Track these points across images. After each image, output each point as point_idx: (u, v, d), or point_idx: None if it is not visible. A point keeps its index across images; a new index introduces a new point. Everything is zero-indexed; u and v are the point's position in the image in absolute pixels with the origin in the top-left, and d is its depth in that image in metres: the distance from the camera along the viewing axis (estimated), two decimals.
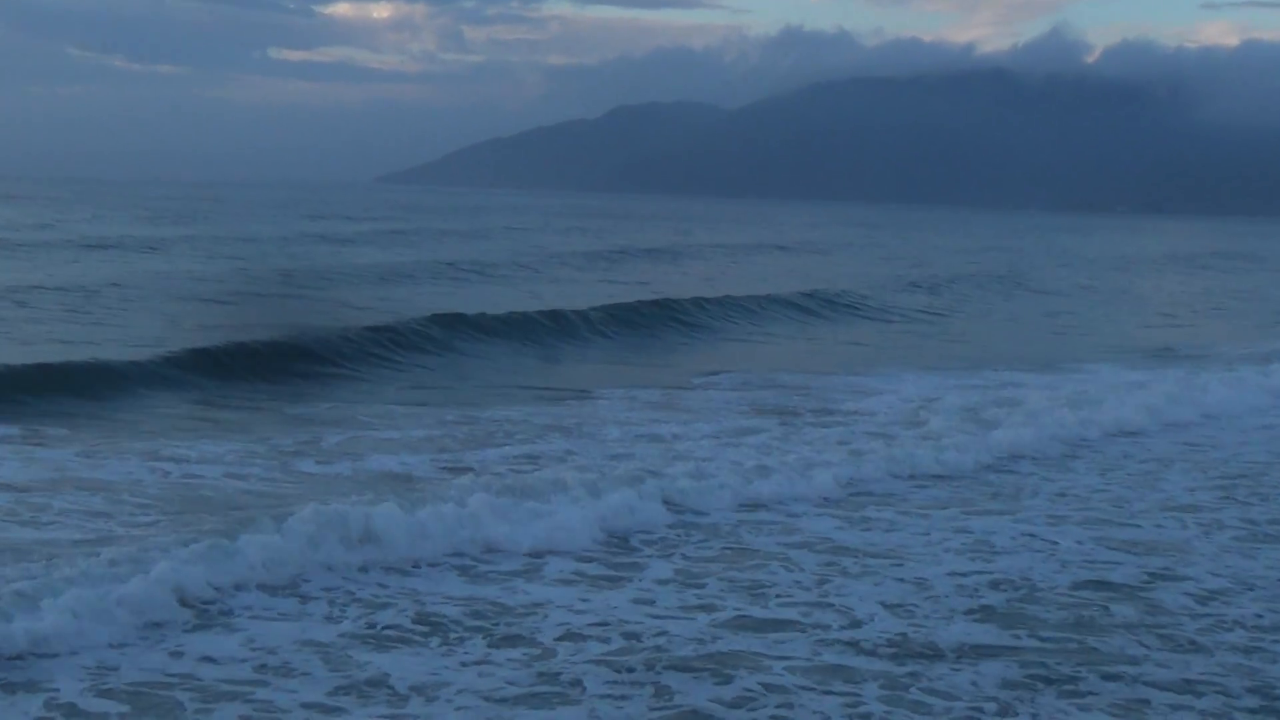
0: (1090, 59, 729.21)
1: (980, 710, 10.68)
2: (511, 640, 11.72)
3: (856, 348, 38.16)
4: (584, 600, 13.05)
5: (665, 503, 16.89)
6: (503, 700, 10.42)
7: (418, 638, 11.68)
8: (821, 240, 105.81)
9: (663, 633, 12.09)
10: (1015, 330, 45.91)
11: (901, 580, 14.23)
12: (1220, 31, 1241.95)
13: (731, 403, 26.17)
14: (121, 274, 47.19)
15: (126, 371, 24.52)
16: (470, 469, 18.53)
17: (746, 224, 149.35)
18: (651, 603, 13.03)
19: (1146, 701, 10.99)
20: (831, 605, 13.15)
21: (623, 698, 10.52)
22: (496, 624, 12.13)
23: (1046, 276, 73.19)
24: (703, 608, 12.98)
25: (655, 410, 24.69)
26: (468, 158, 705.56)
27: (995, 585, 14.12)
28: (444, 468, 18.83)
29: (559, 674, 10.91)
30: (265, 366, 26.94)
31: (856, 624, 12.60)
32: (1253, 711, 10.82)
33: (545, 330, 35.66)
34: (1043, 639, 12.30)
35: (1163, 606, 13.54)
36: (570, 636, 11.98)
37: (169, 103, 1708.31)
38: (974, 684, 11.17)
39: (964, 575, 14.47)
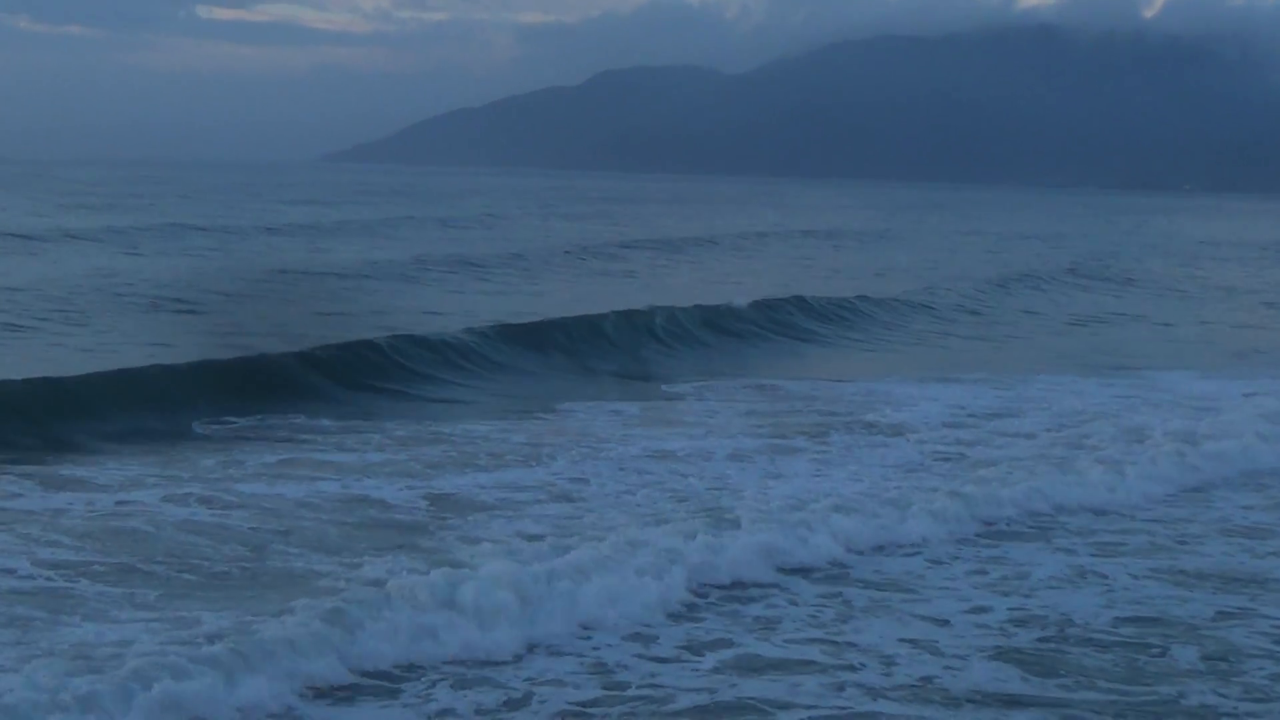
0: (1149, 14, 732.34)
1: None
2: None
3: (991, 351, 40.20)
4: None
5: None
6: None
7: None
8: (873, 226, 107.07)
9: None
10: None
11: None
12: None
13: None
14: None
15: None
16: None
17: (773, 206, 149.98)
18: None
19: None
20: None
21: None
22: None
23: (1160, 271, 73.34)
24: None
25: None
26: (429, 132, 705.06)
27: None
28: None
29: None
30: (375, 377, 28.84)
31: None
32: None
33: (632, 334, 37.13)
34: None
35: None
36: None
37: (80, 70, 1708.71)
38: None
39: None
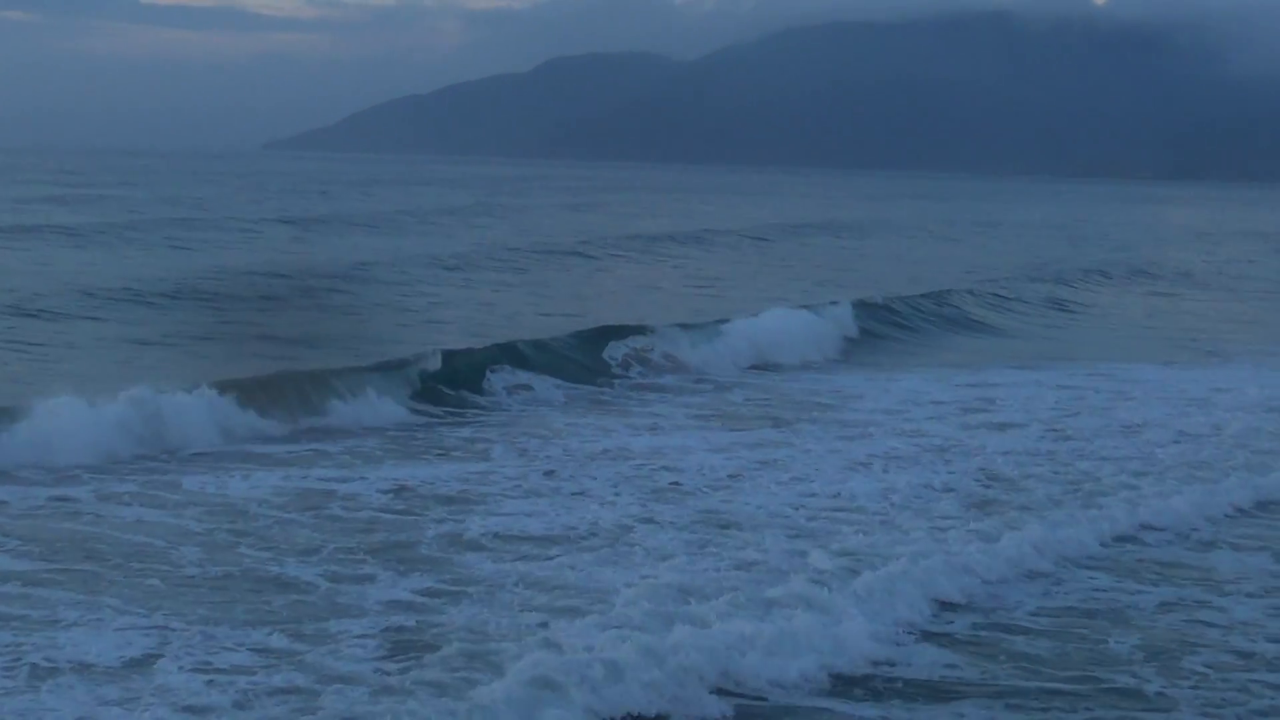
0: (1102, 1, 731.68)
1: None
2: None
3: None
4: None
5: None
6: None
7: None
8: (871, 219, 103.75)
9: None
10: None
11: None
12: None
13: None
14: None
15: None
16: None
17: (746, 197, 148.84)
18: None
19: None
20: None
21: None
22: None
23: (1169, 261, 71.86)
24: None
25: None
26: (374, 120, 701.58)
27: None
28: None
29: None
30: None
31: None
32: None
33: None
34: None
35: None
36: None
37: (15, 57, 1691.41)
38: None
39: None
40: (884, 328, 38.39)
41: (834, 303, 37.81)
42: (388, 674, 11.63)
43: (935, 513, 17.72)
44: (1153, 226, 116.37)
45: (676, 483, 19.19)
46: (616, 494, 18.46)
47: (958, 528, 16.62)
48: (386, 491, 18.11)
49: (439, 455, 20.79)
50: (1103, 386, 29.38)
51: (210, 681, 11.36)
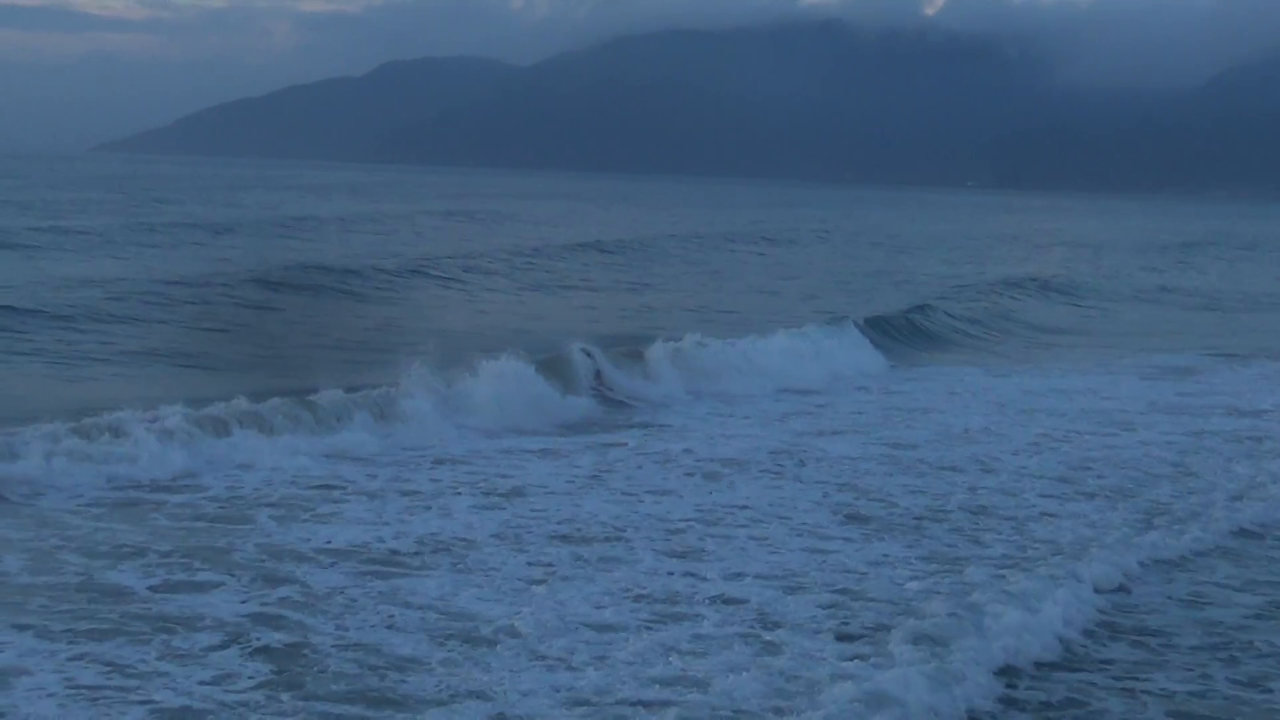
0: (931, 11, 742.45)
1: None
2: None
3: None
4: None
5: None
6: None
7: None
8: (780, 228, 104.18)
9: None
10: None
11: None
12: None
13: None
14: None
15: None
16: None
17: (599, 204, 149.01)
18: None
19: None
20: None
21: None
22: None
23: (1127, 283, 71.86)
24: None
25: None
26: (208, 122, 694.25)
27: None
28: None
29: None
30: None
31: None
32: None
33: None
34: None
35: None
36: None
37: None
38: None
39: None
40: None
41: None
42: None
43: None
44: (1023, 236, 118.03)
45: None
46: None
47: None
48: None
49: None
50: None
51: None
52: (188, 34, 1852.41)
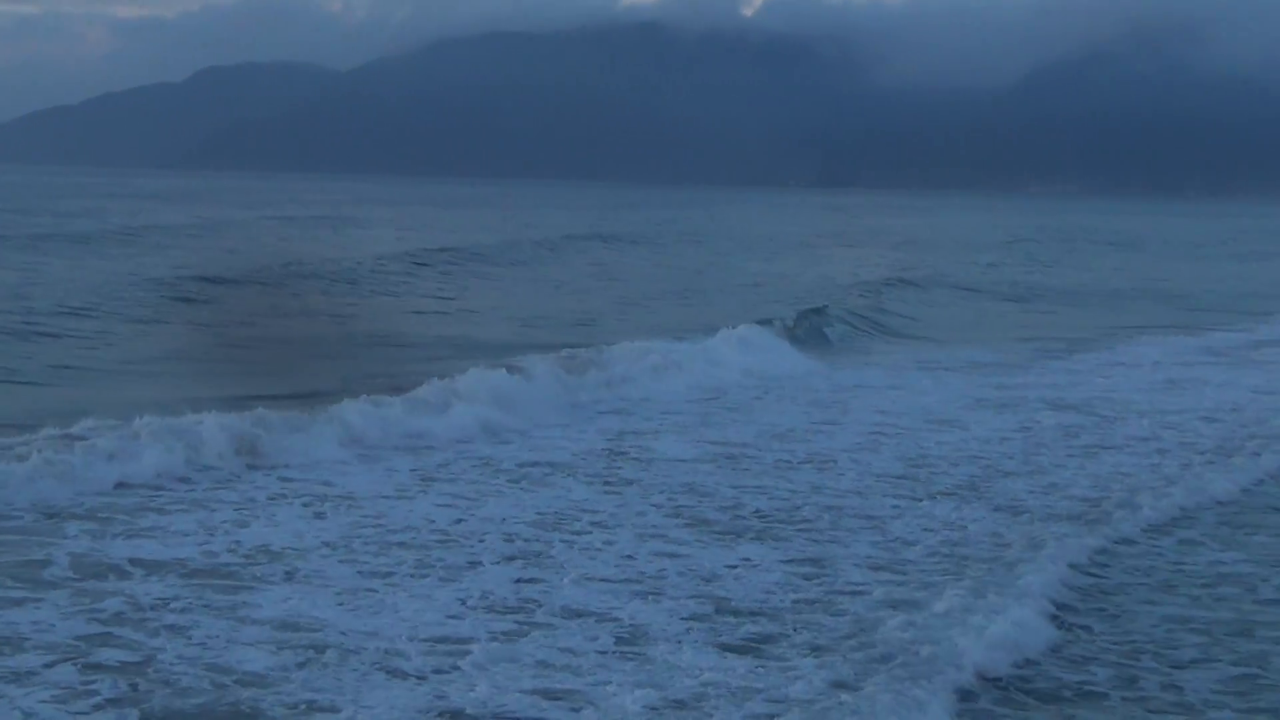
0: (749, 12, 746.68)
1: None
2: None
3: None
4: None
5: None
6: None
7: None
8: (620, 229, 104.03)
9: None
10: None
11: None
12: None
13: None
14: None
15: None
16: None
17: (475, 208, 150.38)
18: None
19: None
20: None
21: None
22: None
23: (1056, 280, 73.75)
24: None
25: None
26: (20, 131, 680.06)
27: None
28: None
29: None
30: None
31: None
32: None
33: None
34: None
35: None
36: None
37: None
38: None
39: None
40: None
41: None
42: None
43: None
44: (850, 233, 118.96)
45: None
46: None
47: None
48: None
49: None
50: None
51: None
52: None
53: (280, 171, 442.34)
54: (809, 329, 42.95)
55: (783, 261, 79.13)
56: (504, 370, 27.92)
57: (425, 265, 63.68)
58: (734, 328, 37.11)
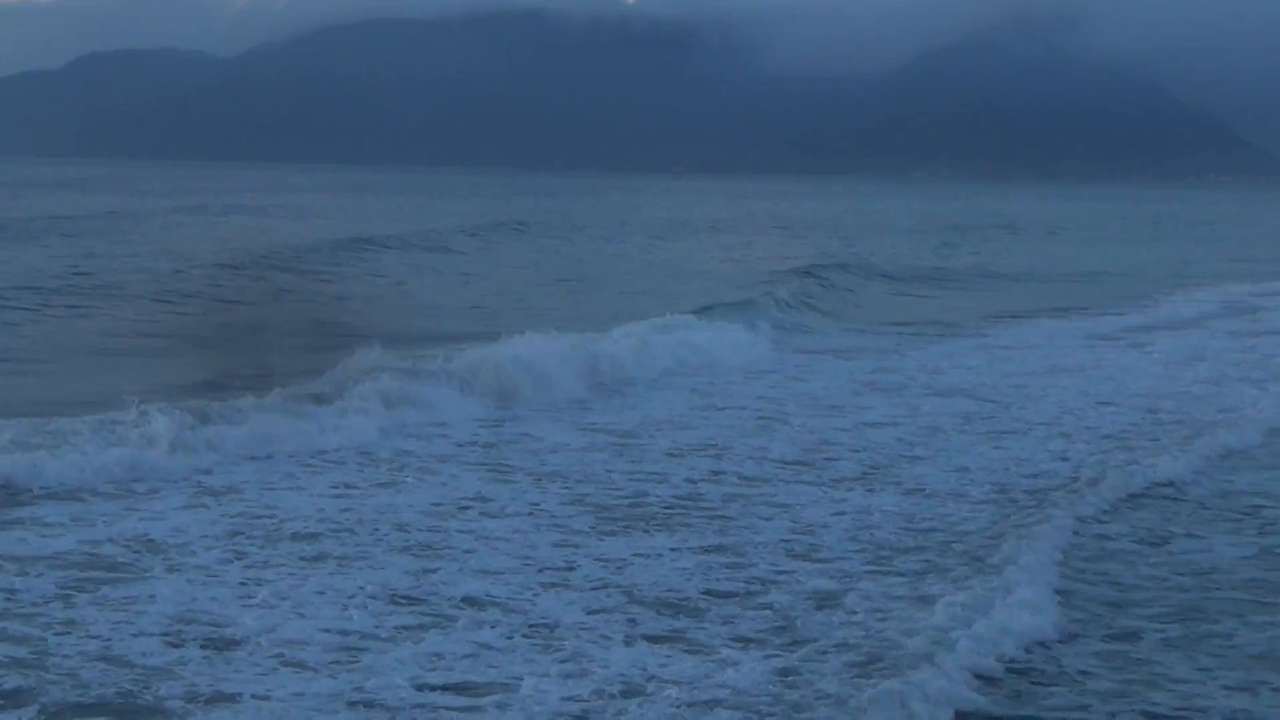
0: (632, 0, 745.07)
1: None
2: None
3: None
4: None
5: None
6: None
7: None
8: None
9: None
10: None
11: None
12: None
13: None
14: None
15: None
16: None
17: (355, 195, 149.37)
18: None
19: None
20: None
21: None
22: None
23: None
24: None
25: None
26: None
27: None
28: None
29: None
30: None
31: None
32: None
33: None
34: None
35: None
36: None
37: None
38: None
39: None
40: None
41: None
42: None
43: None
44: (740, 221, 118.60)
45: None
46: None
47: None
48: None
49: None
50: None
51: None
52: None
53: (165, 160, 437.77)
54: (711, 318, 42.87)
55: (686, 248, 79.32)
56: (396, 369, 27.56)
57: (343, 253, 63.11)
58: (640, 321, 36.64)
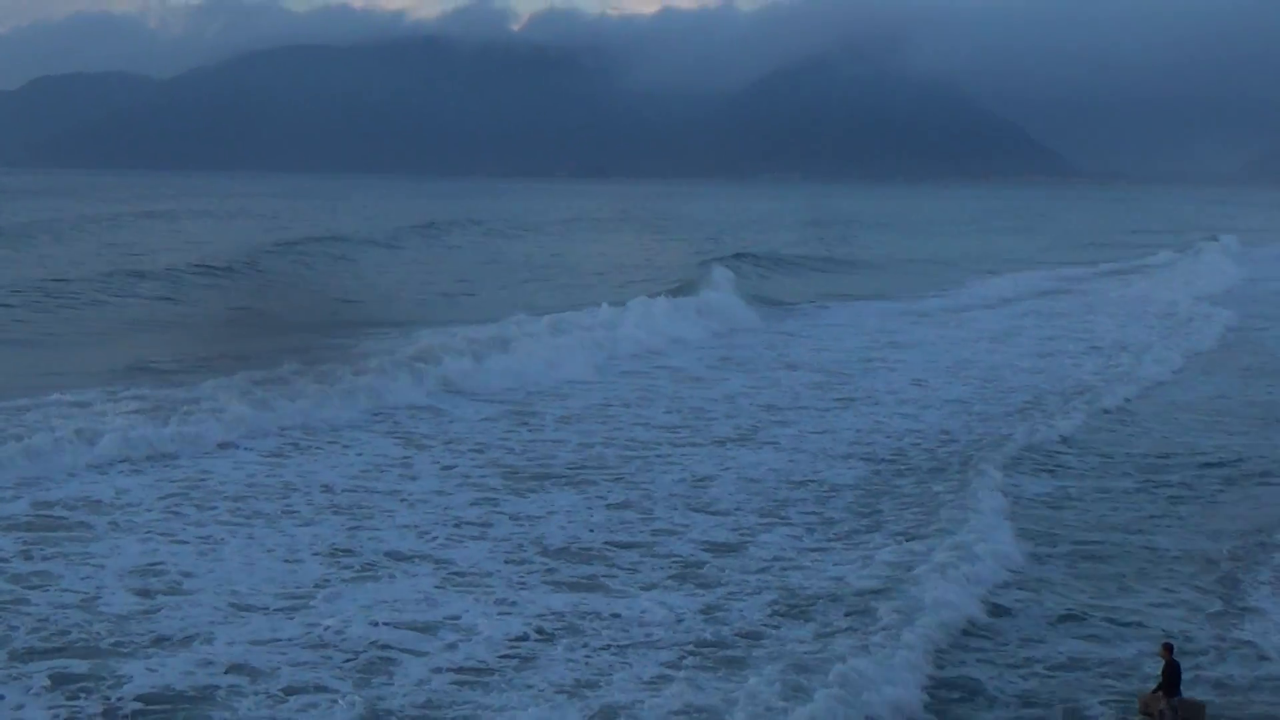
0: (517, 27, 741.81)
1: None
2: None
3: None
4: None
5: None
6: None
7: None
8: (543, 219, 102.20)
9: None
10: None
11: None
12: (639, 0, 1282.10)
13: None
14: None
15: None
16: None
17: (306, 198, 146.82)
18: None
19: None
20: None
21: None
22: None
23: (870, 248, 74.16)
24: None
25: None
26: None
27: None
28: None
29: None
30: None
31: None
32: None
33: None
34: None
35: None
36: None
37: None
38: None
39: None
40: None
41: None
42: None
43: None
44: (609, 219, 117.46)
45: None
46: None
47: None
48: None
49: None
50: None
51: None
52: None
53: (114, 168, 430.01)
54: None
55: (592, 243, 78.90)
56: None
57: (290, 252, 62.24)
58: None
